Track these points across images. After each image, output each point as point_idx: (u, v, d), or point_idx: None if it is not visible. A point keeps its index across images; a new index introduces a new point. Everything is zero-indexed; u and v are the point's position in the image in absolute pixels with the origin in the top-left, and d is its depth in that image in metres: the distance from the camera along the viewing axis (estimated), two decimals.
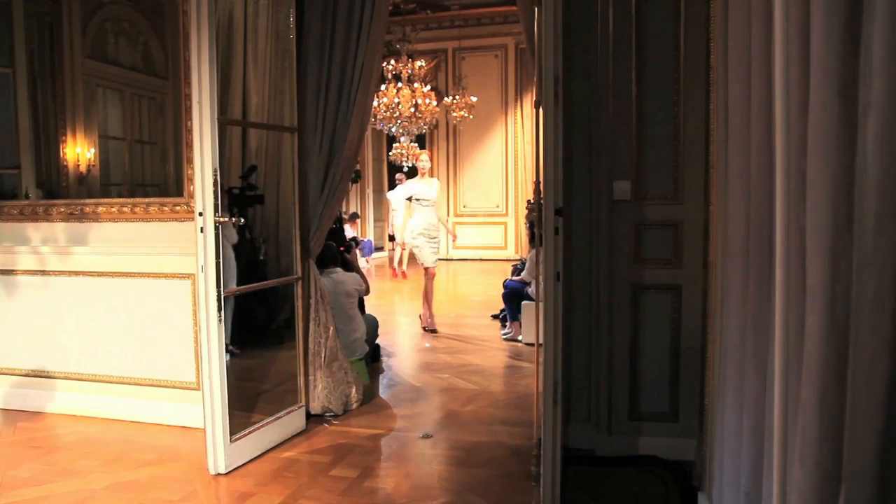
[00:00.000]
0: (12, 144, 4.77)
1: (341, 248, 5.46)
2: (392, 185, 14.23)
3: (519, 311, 6.57)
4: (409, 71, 11.16)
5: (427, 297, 7.13)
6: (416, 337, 6.99)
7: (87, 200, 4.45)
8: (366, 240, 14.18)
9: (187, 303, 4.11)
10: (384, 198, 16.21)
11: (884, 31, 1.07)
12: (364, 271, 6.09)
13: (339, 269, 5.04)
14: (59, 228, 4.46)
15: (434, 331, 6.95)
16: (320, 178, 4.14)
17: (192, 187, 3.75)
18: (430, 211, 7.03)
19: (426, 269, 7.05)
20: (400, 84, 11.16)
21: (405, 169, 14.15)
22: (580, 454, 3.61)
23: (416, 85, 11.26)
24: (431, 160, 14.34)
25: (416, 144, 13.51)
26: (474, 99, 12.20)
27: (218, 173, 3.34)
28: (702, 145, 3.35)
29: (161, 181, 4.81)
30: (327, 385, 4.26)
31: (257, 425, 3.71)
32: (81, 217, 4.40)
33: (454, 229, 11.23)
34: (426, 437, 3.92)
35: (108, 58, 4.97)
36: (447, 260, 14.14)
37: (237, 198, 5.29)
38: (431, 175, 7.49)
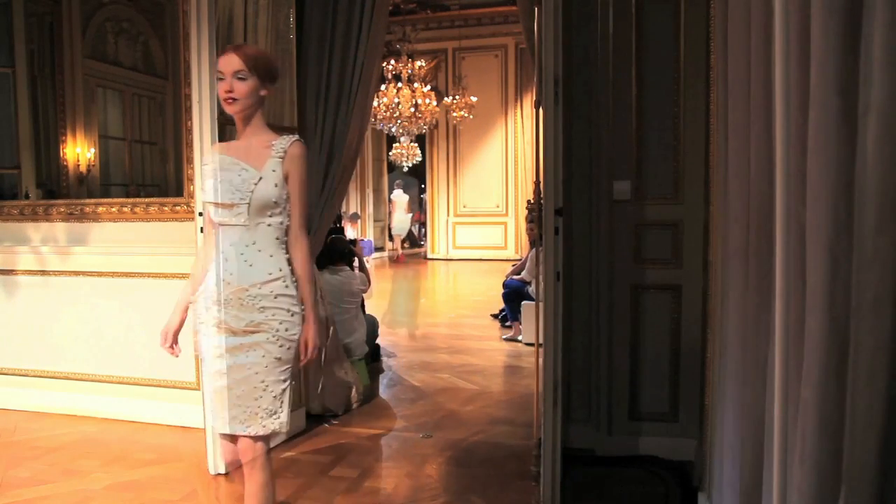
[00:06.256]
0: (12, 144, 4.78)
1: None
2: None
3: (519, 311, 6.57)
4: (409, 71, 11.17)
5: None
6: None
7: (87, 200, 4.45)
8: (366, 240, 14.19)
9: None
10: (384, 198, 16.24)
11: (884, 31, 1.07)
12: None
13: (346, 268, 5.00)
14: (59, 228, 4.46)
15: None
16: (320, 178, 4.14)
17: (192, 187, 3.75)
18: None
19: None
20: (400, 84, 11.16)
21: (405, 170, 14.25)
22: (580, 454, 3.61)
23: (416, 85, 11.26)
24: (431, 160, 14.47)
25: (416, 144, 13.53)
26: (474, 99, 12.20)
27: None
28: (702, 145, 3.35)
29: (161, 181, 4.81)
30: (327, 385, 4.26)
31: None
32: (81, 217, 4.40)
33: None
34: (426, 437, 3.92)
35: (108, 57, 4.97)
36: (447, 260, 14.17)
37: None
38: None
